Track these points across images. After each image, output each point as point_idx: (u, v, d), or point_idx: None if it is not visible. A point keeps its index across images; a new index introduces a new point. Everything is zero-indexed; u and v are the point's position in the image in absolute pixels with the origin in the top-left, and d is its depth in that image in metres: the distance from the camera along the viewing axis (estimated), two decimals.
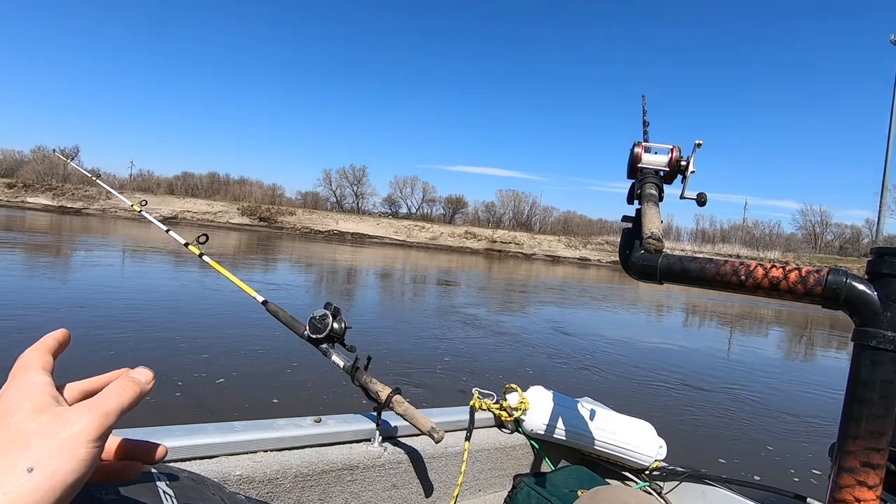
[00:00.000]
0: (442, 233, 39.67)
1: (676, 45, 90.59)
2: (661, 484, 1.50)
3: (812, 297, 0.61)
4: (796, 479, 3.49)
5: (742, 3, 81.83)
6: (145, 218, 1.69)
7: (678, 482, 1.46)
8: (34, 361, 0.32)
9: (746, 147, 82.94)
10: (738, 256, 35.50)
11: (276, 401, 3.74)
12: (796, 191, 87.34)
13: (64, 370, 0.31)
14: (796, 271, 0.62)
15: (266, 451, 1.04)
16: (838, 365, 8.44)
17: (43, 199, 36.95)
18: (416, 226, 40.88)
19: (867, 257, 0.60)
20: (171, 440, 0.94)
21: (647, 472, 1.53)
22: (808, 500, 1.19)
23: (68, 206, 36.06)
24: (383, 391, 1.14)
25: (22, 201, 36.55)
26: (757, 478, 3.30)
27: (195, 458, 0.96)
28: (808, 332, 12.84)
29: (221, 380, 4.06)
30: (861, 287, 0.58)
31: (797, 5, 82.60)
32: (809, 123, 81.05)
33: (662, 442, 1.51)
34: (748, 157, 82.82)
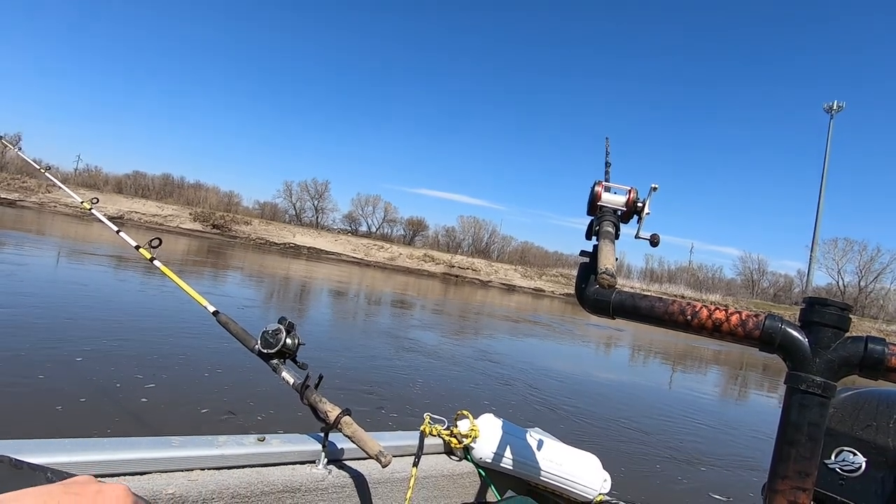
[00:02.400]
0: (401, 254, 39.45)
1: (641, 96, 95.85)
2: None
3: (751, 340, 0.65)
4: None
5: (698, 72, 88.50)
6: (90, 215, 1.61)
7: None
8: None
9: (696, 193, 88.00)
10: (684, 296, 37.07)
11: (216, 416, 3.56)
12: (738, 239, 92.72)
13: None
14: (737, 315, 0.66)
15: (203, 468, 0.99)
16: (776, 405, 8.89)
17: None
18: (374, 244, 40.48)
19: (798, 305, 0.65)
20: (100, 453, 0.88)
21: None
22: None
23: (1, 196, 33.60)
24: (332, 411, 1.11)
25: None
26: None
27: (124, 474, 0.90)
28: (744, 373, 13.47)
29: (152, 385, 3.86)
30: (794, 333, 0.62)
31: (744, 76, 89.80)
32: (752, 177, 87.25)
33: (607, 475, 1.54)
34: (697, 204, 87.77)
